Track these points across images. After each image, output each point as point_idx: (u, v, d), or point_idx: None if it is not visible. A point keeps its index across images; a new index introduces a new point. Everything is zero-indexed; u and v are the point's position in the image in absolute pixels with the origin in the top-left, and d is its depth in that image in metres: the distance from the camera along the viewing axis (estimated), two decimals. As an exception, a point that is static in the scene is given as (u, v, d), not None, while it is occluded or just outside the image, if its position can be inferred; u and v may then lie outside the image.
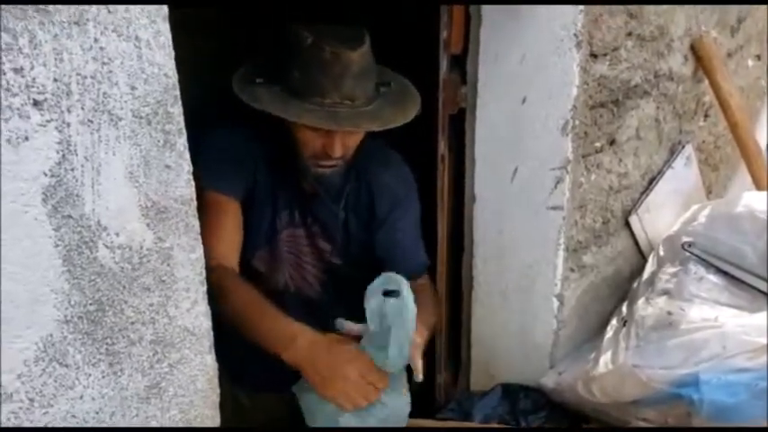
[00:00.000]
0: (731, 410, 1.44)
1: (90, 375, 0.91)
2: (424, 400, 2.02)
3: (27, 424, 0.86)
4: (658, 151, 1.98)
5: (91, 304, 0.89)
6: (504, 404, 1.80)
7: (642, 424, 1.59)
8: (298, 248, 1.69)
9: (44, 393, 0.87)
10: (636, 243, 1.98)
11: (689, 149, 2.07)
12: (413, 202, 1.71)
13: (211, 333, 1.05)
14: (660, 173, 1.99)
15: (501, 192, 1.78)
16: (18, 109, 0.77)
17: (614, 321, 1.78)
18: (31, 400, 0.86)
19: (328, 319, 1.76)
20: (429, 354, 1.98)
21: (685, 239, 1.76)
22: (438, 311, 1.74)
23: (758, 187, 2.05)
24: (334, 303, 1.74)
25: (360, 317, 1.78)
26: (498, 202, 1.79)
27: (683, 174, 2.05)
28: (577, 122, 1.65)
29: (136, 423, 0.98)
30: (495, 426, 1.73)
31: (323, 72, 1.42)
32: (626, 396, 1.58)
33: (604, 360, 1.64)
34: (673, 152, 2.04)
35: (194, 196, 0.97)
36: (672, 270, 1.73)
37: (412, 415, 1.74)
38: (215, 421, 1.09)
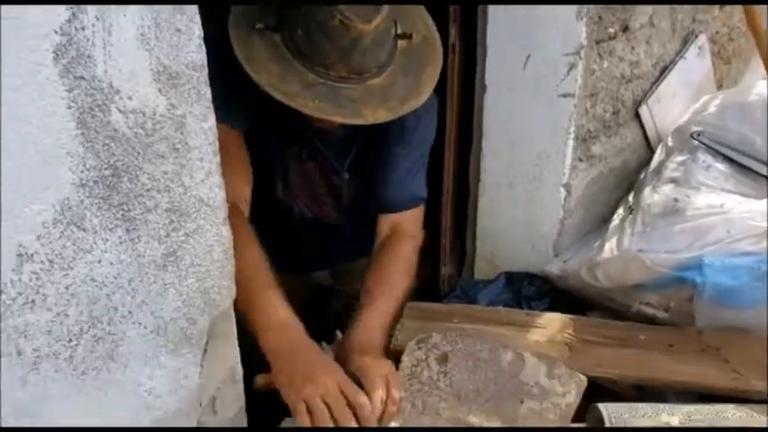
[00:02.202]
0: (733, 293, 1.47)
1: (107, 240, 0.92)
2: (428, 292, 2.07)
3: (48, 285, 0.88)
4: (671, 40, 1.94)
5: (106, 169, 0.89)
6: (507, 291, 1.83)
7: (644, 308, 1.63)
8: (310, 182, 1.64)
9: (63, 255, 0.88)
10: (645, 135, 1.97)
11: (702, 39, 2.02)
12: (421, 140, 1.56)
13: (226, 205, 1.06)
14: (672, 63, 1.95)
15: (513, 80, 1.75)
16: (26, -39, 0.75)
17: (620, 210, 1.79)
18: (51, 261, 0.87)
19: (346, 244, 1.76)
20: (433, 247, 2.01)
21: (695, 128, 1.75)
22: (413, 269, 1.54)
23: (772, 77, 2.01)
24: (354, 228, 1.73)
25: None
26: (510, 91, 1.77)
27: (695, 64, 2.02)
28: (591, 6, 1.61)
29: (154, 289, 0.99)
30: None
31: (330, 42, 1.24)
32: (629, 280, 1.61)
33: (609, 246, 1.66)
34: (686, 42, 2.00)
35: (205, 63, 0.95)
36: (680, 159, 1.73)
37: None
38: (231, 292, 1.11)
